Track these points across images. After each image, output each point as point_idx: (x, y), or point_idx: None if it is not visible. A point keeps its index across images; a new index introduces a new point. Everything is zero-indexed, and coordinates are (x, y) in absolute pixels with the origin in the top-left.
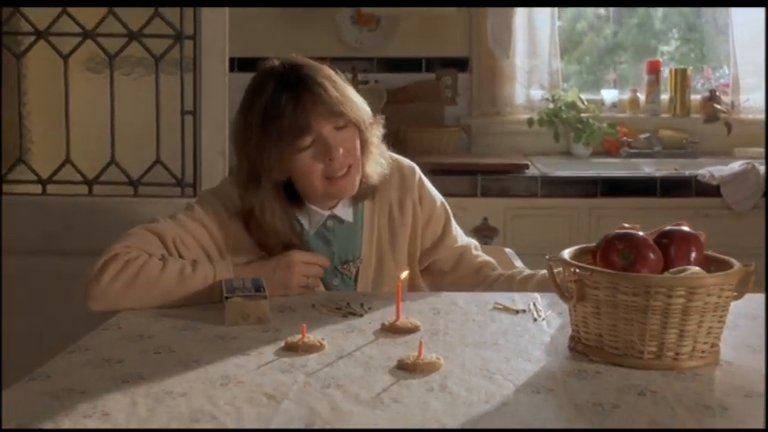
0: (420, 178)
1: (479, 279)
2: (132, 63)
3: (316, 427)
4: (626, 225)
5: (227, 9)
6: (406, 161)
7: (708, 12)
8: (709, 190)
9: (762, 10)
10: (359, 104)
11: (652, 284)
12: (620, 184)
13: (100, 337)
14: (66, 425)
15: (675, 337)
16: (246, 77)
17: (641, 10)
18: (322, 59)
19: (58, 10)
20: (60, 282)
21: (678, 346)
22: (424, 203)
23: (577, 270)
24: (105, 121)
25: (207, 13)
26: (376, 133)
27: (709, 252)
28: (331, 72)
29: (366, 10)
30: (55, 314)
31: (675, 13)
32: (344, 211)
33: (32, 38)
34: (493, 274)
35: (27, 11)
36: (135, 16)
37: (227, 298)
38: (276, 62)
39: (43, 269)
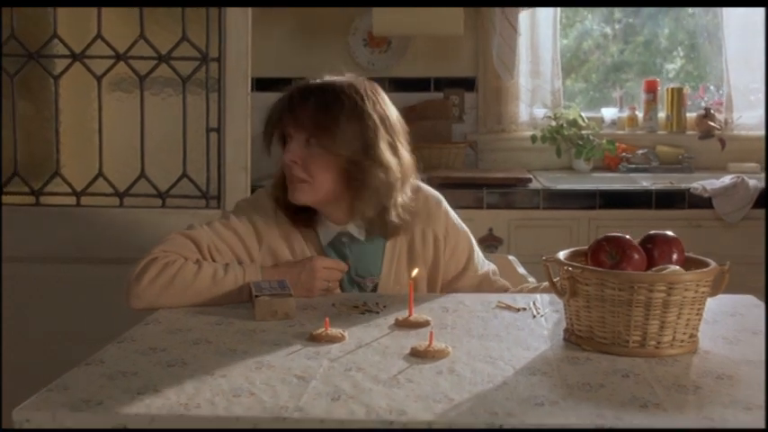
0: (446, 211)
1: None
2: (161, 84)
3: (341, 401)
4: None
5: (249, 33)
6: (432, 192)
7: (704, 32)
8: (701, 202)
9: (749, 31)
10: (344, 140)
11: (635, 280)
12: (617, 197)
13: (143, 331)
14: (125, 400)
15: (657, 327)
16: (265, 96)
17: (647, 29)
18: None
19: (92, 34)
20: (92, 287)
21: (659, 335)
22: (450, 237)
23: (570, 268)
24: (135, 137)
25: (231, 37)
26: (376, 174)
27: (690, 254)
28: (350, 105)
29: (377, 33)
30: (87, 317)
31: (680, 31)
32: (357, 231)
33: (68, 60)
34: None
35: (64, 36)
36: (164, 40)
37: (256, 296)
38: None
39: (76, 276)
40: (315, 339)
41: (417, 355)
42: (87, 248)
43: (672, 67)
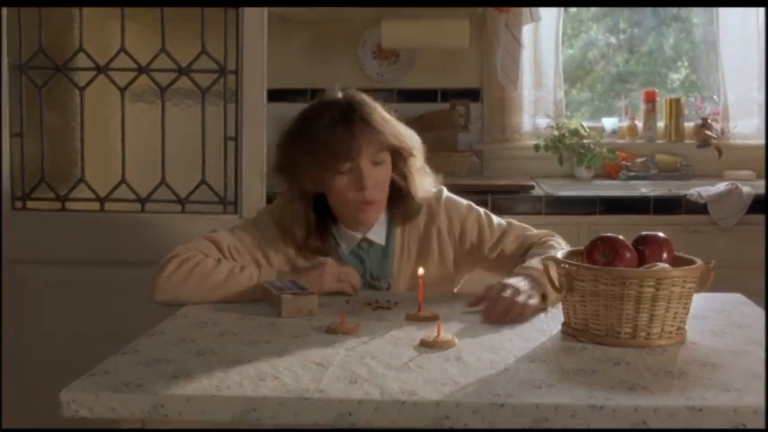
0: (445, 203)
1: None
2: (181, 95)
3: (357, 384)
4: None
5: (265, 47)
6: (433, 191)
7: (701, 44)
8: (697, 208)
9: (744, 43)
10: (400, 138)
11: (626, 276)
12: (616, 203)
13: (172, 324)
14: (161, 383)
15: (647, 320)
16: (278, 107)
17: (651, 39)
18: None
19: (116, 48)
20: (115, 289)
21: (649, 327)
22: (454, 221)
23: (566, 266)
24: (156, 146)
25: (248, 50)
26: (416, 163)
27: (679, 253)
28: (382, 113)
29: (386, 46)
30: (110, 317)
31: (685, 41)
32: (378, 235)
33: (93, 73)
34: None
35: (89, 49)
36: (184, 53)
37: (280, 295)
38: (339, 95)
39: (100, 278)
40: (332, 331)
41: (426, 345)
42: (110, 252)
43: (676, 77)
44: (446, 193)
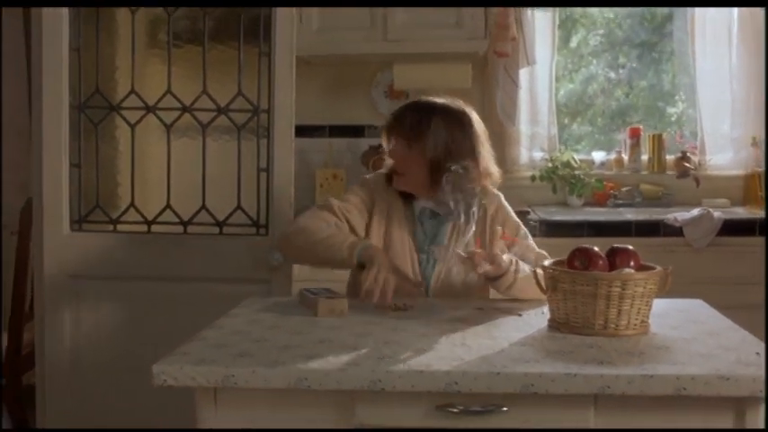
0: (500, 201)
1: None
2: (220, 131)
3: (385, 360)
4: None
5: (293, 89)
6: (493, 191)
7: (682, 88)
8: (673, 231)
9: (718, 83)
10: (431, 148)
11: (598, 278)
12: (602, 227)
13: (227, 321)
14: (229, 360)
15: (615, 314)
16: (300, 141)
17: (651, 73)
18: (360, 127)
19: (163, 90)
20: (161, 301)
21: (617, 320)
22: (498, 217)
23: (551, 271)
24: (197, 175)
25: (278, 92)
26: (456, 172)
27: (644, 262)
28: (446, 125)
29: (398, 87)
30: (156, 326)
31: (682, 74)
32: (438, 208)
33: (143, 112)
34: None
35: (140, 91)
36: (223, 95)
37: (316, 299)
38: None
39: (147, 291)
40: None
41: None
42: (157, 268)
43: (674, 110)
44: (503, 199)
